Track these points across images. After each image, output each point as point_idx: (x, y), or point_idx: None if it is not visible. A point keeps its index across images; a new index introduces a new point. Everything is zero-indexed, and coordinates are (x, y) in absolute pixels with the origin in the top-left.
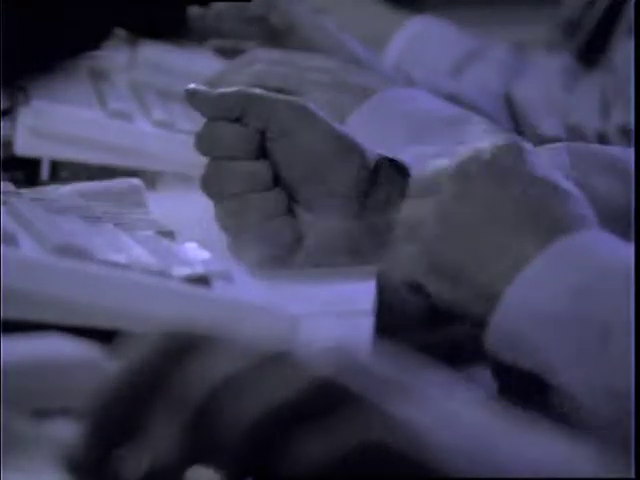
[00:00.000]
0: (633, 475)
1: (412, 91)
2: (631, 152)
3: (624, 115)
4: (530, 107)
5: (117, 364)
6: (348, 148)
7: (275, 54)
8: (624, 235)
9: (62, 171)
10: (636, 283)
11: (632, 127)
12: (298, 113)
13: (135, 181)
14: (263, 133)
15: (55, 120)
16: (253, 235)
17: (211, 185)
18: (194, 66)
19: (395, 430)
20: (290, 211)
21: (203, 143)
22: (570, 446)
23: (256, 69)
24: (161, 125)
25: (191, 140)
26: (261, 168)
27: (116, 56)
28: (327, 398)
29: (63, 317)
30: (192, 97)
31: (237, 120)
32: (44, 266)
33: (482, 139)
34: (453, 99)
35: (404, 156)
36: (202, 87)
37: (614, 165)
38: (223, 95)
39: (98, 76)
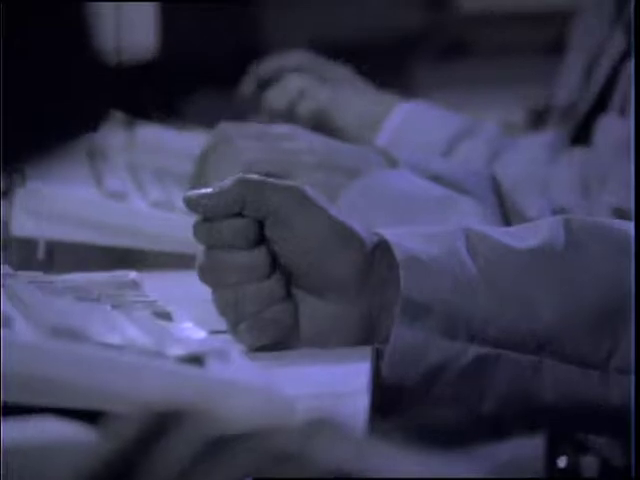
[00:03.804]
0: (633, 475)
1: (398, 173)
2: (629, 224)
3: (616, 195)
4: (516, 188)
5: (102, 445)
6: (346, 234)
7: (250, 130)
8: (622, 306)
9: (58, 252)
10: (636, 280)
11: (632, 128)
12: (296, 200)
13: (133, 274)
14: (261, 221)
15: (51, 201)
16: (251, 324)
17: (208, 275)
18: (190, 147)
19: None
20: (288, 295)
21: (201, 235)
22: None
23: (245, 157)
24: (158, 205)
25: (187, 220)
26: (258, 258)
27: (113, 137)
28: None
29: (58, 400)
30: (191, 204)
31: (236, 213)
32: (38, 349)
33: (468, 220)
34: (439, 179)
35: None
36: (199, 191)
37: (610, 235)
38: (222, 193)
39: (95, 157)
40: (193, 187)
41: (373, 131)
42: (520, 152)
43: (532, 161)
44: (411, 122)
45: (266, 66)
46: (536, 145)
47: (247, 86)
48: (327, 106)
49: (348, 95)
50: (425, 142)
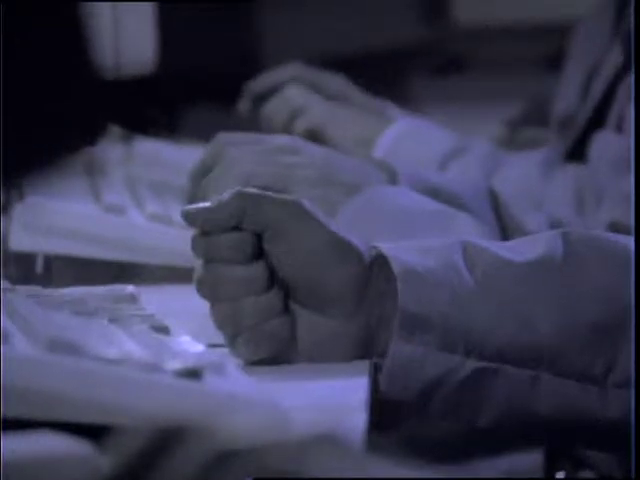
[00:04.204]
0: (633, 475)
1: (397, 188)
2: (627, 237)
3: (612, 211)
4: (514, 202)
5: (108, 461)
6: (344, 248)
7: (248, 141)
8: (620, 319)
9: (56, 266)
10: (636, 280)
11: (632, 137)
12: (295, 214)
13: (130, 288)
14: (260, 235)
15: (49, 215)
16: (249, 337)
17: (206, 288)
18: (188, 160)
19: None
20: (286, 308)
21: (199, 248)
22: None
23: (243, 169)
24: (156, 219)
25: (185, 233)
26: (257, 272)
27: (111, 151)
28: None
29: (57, 414)
30: (190, 217)
31: (234, 227)
32: (37, 362)
33: (466, 235)
34: (437, 193)
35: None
36: (197, 205)
37: (608, 247)
38: (220, 207)
39: (94, 171)
40: (191, 200)
41: (366, 149)
42: (513, 169)
43: (525, 178)
44: (404, 141)
45: (261, 82)
46: (529, 163)
47: (243, 103)
48: (322, 124)
49: (343, 113)
50: (418, 161)
